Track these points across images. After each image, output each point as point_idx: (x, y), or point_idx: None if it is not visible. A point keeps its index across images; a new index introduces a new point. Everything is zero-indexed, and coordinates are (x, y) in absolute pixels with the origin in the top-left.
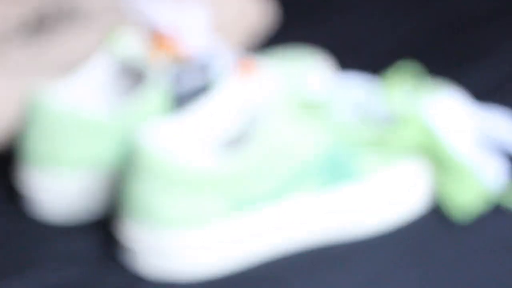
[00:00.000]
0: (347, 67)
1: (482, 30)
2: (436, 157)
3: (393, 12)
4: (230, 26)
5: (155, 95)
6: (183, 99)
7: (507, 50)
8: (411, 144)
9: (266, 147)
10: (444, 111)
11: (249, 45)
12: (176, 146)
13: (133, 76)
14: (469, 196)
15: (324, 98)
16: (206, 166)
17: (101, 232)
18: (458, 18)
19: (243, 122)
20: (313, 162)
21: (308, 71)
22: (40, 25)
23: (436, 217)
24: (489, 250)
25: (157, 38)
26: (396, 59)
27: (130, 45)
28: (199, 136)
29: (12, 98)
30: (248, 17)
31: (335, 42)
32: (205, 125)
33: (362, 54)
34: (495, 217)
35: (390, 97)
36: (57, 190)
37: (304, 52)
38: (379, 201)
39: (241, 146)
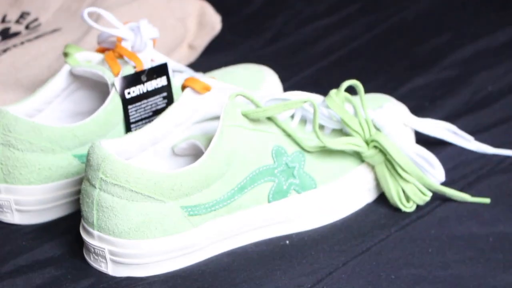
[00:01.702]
0: (291, 79)
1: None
2: (384, 160)
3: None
4: (179, 40)
5: (111, 106)
6: (136, 110)
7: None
8: (359, 151)
9: (220, 156)
10: (388, 119)
11: (195, 56)
12: (131, 157)
13: (91, 88)
14: (414, 189)
15: (274, 109)
16: (161, 175)
17: (71, 235)
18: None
19: (196, 133)
20: (266, 170)
21: (258, 83)
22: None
23: (384, 210)
24: (433, 238)
25: (114, 52)
26: (342, 69)
27: (88, 58)
28: (153, 147)
29: None
30: (196, 29)
31: (278, 54)
32: (158, 136)
33: (306, 68)
34: (439, 208)
35: (338, 109)
36: (22, 204)
37: (253, 65)
38: (331, 206)
39: (194, 156)
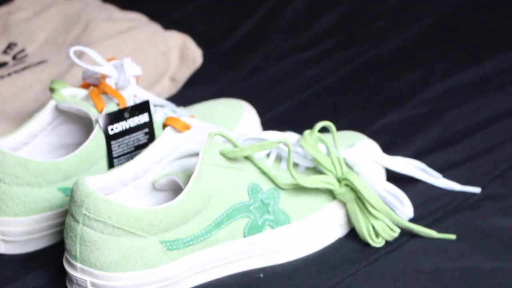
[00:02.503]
0: (269, 113)
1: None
2: (355, 197)
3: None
4: (162, 72)
5: (95, 142)
6: (119, 145)
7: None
8: (331, 189)
9: (198, 194)
10: (360, 158)
11: (177, 88)
12: (113, 192)
13: (76, 122)
14: (383, 225)
15: (251, 149)
16: (142, 212)
17: (54, 265)
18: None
19: (176, 169)
20: (242, 206)
21: (236, 117)
22: None
23: (354, 245)
24: (401, 272)
25: (98, 88)
26: (318, 104)
27: (73, 94)
28: (135, 183)
29: None
30: (178, 62)
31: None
32: (139, 172)
33: (283, 102)
34: (407, 243)
35: (311, 149)
36: (8, 235)
37: (232, 100)
38: (304, 241)
39: (174, 191)
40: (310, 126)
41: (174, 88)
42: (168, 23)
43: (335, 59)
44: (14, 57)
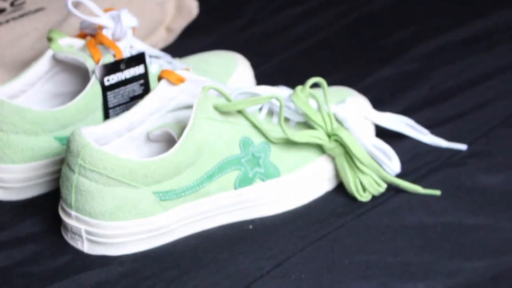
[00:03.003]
0: (262, 66)
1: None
2: (343, 153)
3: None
4: (158, 23)
5: (91, 92)
6: (114, 96)
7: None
8: (321, 144)
9: (191, 147)
10: (350, 113)
11: (173, 39)
12: (108, 142)
13: (73, 71)
14: (370, 180)
15: (244, 103)
16: (136, 163)
17: (50, 213)
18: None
19: (170, 121)
20: (233, 159)
21: (230, 69)
22: None
23: (342, 199)
24: (386, 226)
25: (95, 39)
26: (310, 58)
27: (70, 44)
28: (129, 133)
29: None
30: (174, 12)
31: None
32: (134, 123)
33: (276, 56)
34: (393, 198)
35: (302, 105)
36: (5, 181)
37: (226, 52)
38: (293, 194)
39: (168, 142)
40: (303, 80)
41: (170, 39)
42: None
43: (329, 14)
44: (12, 4)
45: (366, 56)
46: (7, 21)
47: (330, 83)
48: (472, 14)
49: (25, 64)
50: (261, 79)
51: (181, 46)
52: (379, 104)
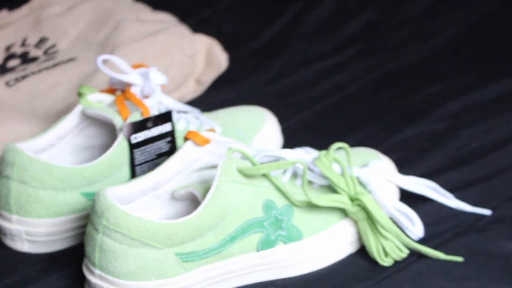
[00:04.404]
0: (289, 120)
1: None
2: (366, 217)
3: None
4: (188, 75)
5: (118, 149)
6: (141, 153)
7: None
8: (344, 208)
9: (214, 210)
10: (373, 177)
11: (202, 90)
12: (133, 200)
13: (101, 125)
14: (392, 245)
15: (268, 168)
16: (159, 225)
17: (74, 268)
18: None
19: (194, 181)
20: (256, 222)
21: (258, 125)
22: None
23: (364, 263)
24: None
25: (123, 95)
26: (338, 113)
27: (100, 99)
28: (154, 192)
29: None
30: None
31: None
32: (159, 183)
33: (304, 110)
34: (414, 263)
35: (326, 170)
36: (32, 235)
37: (254, 108)
38: (315, 257)
39: (192, 201)
40: (329, 136)
41: (199, 90)
42: (197, 22)
43: (356, 69)
44: (45, 52)
45: (392, 113)
46: (40, 70)
47: (356, 140)
48: (499, 72)
49: (57, 115)
50: (288, 134)
51: (209, 98)
52: (404, 164)
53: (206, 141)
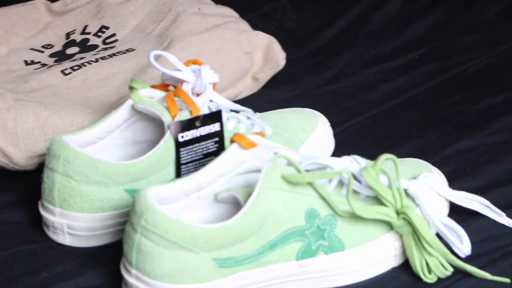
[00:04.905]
0: (343, 124)
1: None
2: (411, 231)
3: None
4: (244, 72)
5: (164, 147)
6: (188, 152)
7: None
8: (388, 220)
9: (254, 216)
10: (423, 190)
11: (258, 88)
12: (176, 201)
13: (151, 120)
14: (437, 262)
15: (313, 176)
16: (197, 229)
17: (112, 265)
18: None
19: (238, 184)
20: (297, 231)
21: (309, 129)
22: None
23: (406, 278)
24: None
25: (174, 92)
26: (395, 119)
27: (151, 95)
28: (197, 193)
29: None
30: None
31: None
32: (203, 184)
33: (359, 114)
34: (459, 282)
35: (372, 181)
36: (74, 229)
37: (308, 111)
38: (356, 268)
39: (235, 204)
40: (382, 143)
41: (255, 87)
42: (259, 16)
43: (419, 73)
44: (104, 41)
45: (451, 122)
46: (97, 60)
47: (410, 148)
48: None
49: (108, 107)
50: (340, 138)
51: (265, 96)
52: (458, 176)
53: (252, 145)
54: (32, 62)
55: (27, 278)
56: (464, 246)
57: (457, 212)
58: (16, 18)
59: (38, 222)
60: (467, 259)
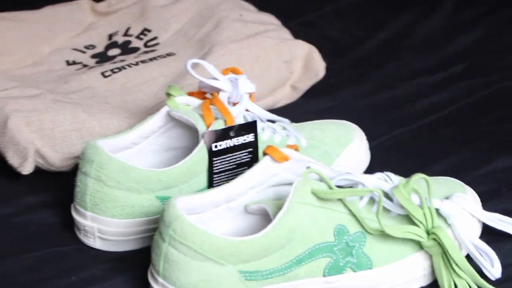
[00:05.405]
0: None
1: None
2: (441, 252)
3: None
4: (283, 81)
5: (198, 156)
6: (221, 162)
7: None
8: (418, 240)
9: (282, 231)
10: (455, 211)
11: (297, 97)
12: (205, 211)
13: (186, 127)
14: (465, 285)
15: (343, 193)
16: (224, 241)
17: (140, 271)
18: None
19: (268, 196)
20: (326, 247)
21: (345, 143)
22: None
23: None
24: None
25: (210, 101)
26: (432, 135)
27: (187, 102)
28: (227, 204)
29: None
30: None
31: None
32: (233, 196)
33: (397, 128)
34: None
35: (403, 200)
36: (104, 233)
37: (346, 124)
38: (384, 287)
39: (265, 216)
40: (418, 159)
41: (294, 96)
42: (302, 24)
43: (459, 88)
44: (145, 44)
45: (489, 140)
46: (137, 63)
47: (445, 166)
48: None
49: (145, 111)
50: (376, 152)
51: (303, 105)
52: (492, 196)
53: (284, 158)
54: (74, 63)
55: (55, 281)
56: (494, 269)
57: (490, 233)
58: (61, 17)
59: (70, 225)
60: (496, 282)
